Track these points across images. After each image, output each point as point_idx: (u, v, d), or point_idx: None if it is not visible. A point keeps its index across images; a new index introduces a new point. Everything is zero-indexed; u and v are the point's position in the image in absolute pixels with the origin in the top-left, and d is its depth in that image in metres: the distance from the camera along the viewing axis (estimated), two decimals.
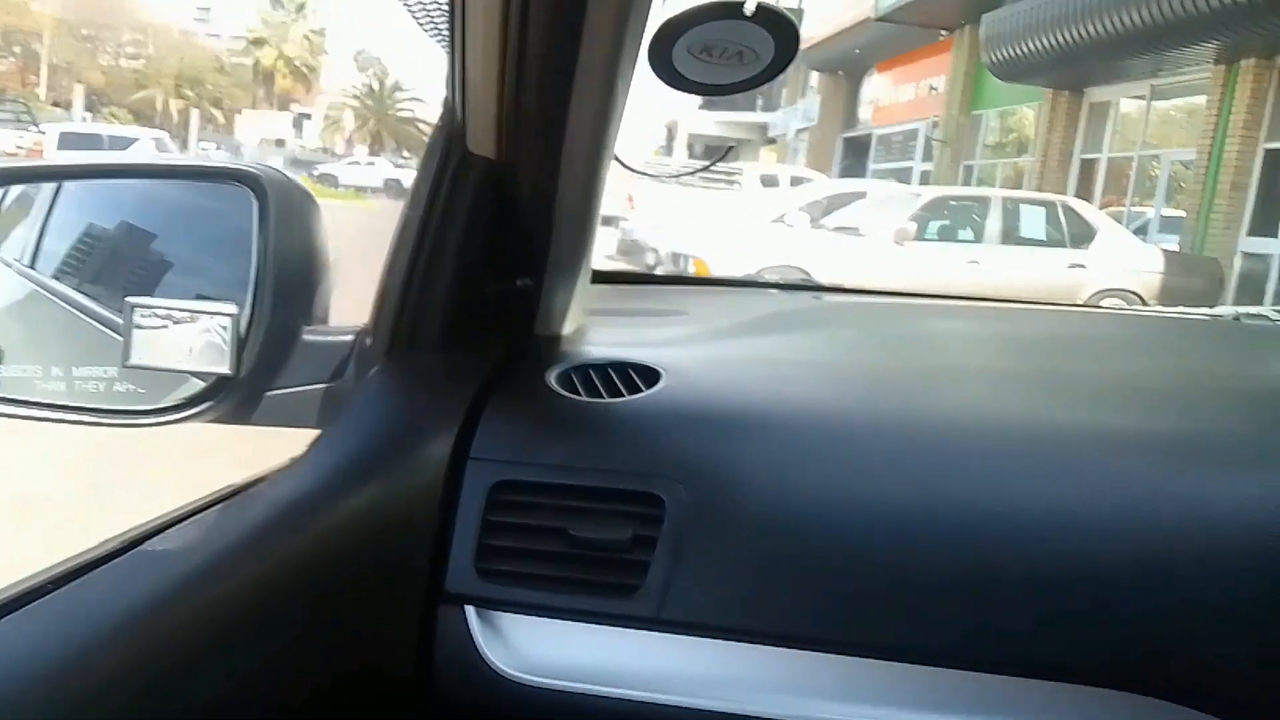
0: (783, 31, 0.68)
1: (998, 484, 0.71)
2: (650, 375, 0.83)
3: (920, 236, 8.30)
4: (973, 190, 12.75)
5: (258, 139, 43.03)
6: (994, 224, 8.50)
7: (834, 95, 23.29)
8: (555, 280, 0.91)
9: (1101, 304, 7.42)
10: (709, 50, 0.69)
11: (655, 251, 8.57)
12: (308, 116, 55.39)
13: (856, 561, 0.68)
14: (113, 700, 0.51)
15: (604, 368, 0.86)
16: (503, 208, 0.85)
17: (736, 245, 8.30)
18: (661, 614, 0.69)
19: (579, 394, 0.81)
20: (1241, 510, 0.68)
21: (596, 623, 0.70)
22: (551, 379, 0.82)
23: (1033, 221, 8.72)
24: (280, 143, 44.26)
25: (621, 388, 0.82)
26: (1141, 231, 11.62)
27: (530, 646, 0.71)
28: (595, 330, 1.03)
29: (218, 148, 33.62)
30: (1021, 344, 1.14)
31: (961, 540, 0.68)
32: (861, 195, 10.15)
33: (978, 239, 8.52)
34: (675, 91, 0.72)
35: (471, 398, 0.78)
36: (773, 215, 10.28)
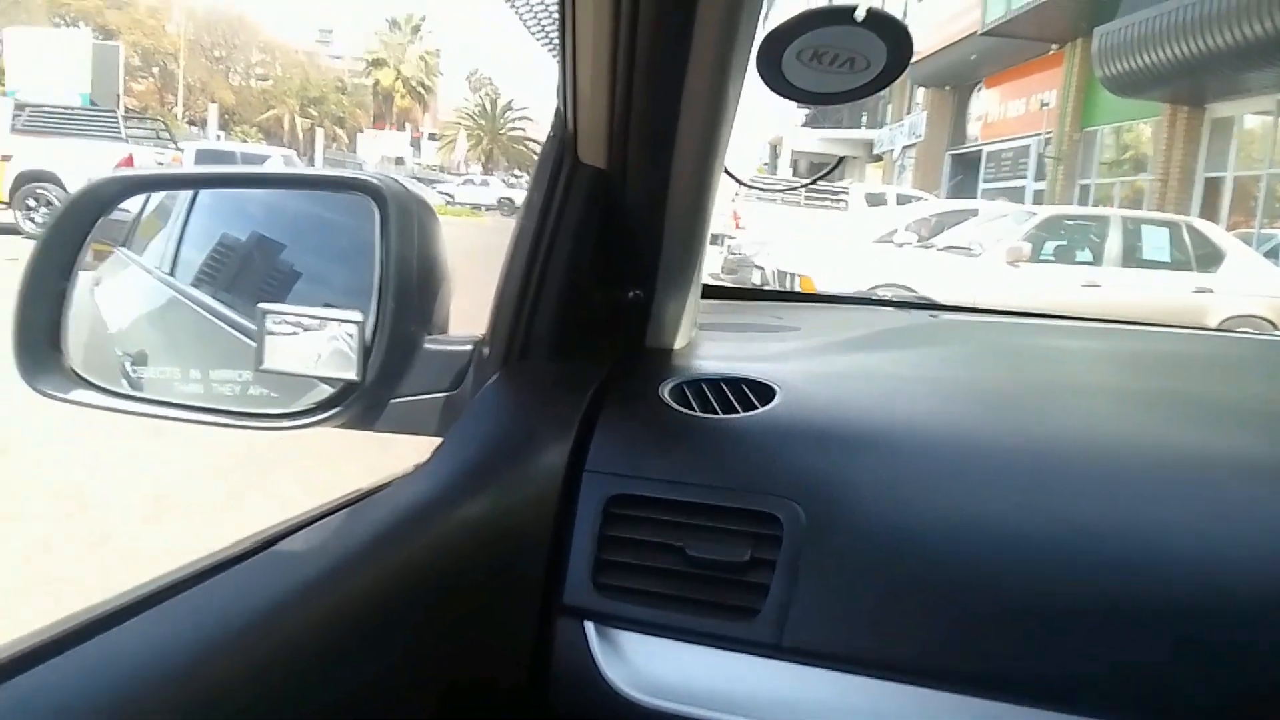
0: (895, 36, 0.67)
1: (1128, 507, 0.67)
2: (764, 391, 0.82)
3: (1035, 257, 7.99)
4: (1090, 210, 12.27)
5: (379, 156, 44.59)
6: (1114, 245, 8.10)
7: (941, 111, 22.84)
8: (666, 292, 0.91)
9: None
10: (819, 57, 0.67)
11: (761, 270, 8.49)
12: (426, 137, 57.23)
13: (977, 588, 0.65)
14: (236, 701, 0.52)
15: (717, 383, 0.85)
16: (613, 217, 0.85)
17: (843, 264, 8.14)
18: (782, 640, 0.67)
19: (692, 408, 0.80)
20: None
21: (715, 646, 0.69)
22: (664, 392, 0.82)
23: (1155, 243, 8.28)
24: (399, 160, 45.80)
25: (735, 403, 0.81)
26: (1272, 255, 10.99)
27: (648, 665, 0.70)
28: (707, 344, 1.03)
29: (344, 165, 35.05)
30: (1146, 363, 1.09)
31: (1091, 566, 0.64)
32: (972, 214, 9.84)
33: (1096, 261, 8.13)
34: (783, 103, 0.71)
35: (585, 408, 0.78)
36: (879, 234, 10.09)
